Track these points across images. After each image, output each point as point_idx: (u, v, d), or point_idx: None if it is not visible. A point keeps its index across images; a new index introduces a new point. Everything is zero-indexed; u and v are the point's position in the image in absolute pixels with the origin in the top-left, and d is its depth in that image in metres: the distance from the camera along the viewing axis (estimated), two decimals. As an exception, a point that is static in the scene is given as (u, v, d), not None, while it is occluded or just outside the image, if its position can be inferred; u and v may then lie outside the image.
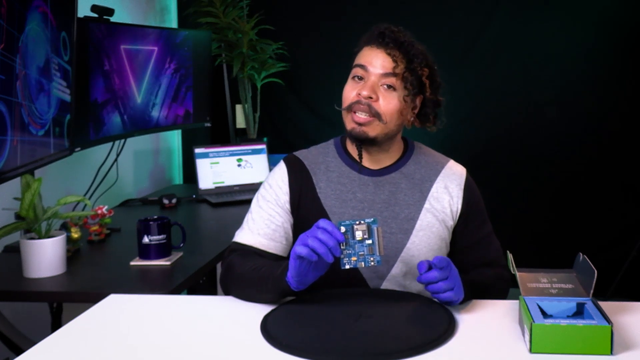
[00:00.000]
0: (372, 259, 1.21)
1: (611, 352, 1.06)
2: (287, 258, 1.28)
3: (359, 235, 1.21)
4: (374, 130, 1.40)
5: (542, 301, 1.17)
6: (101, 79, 2.47)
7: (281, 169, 1.52)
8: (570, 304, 1.17)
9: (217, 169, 2.89)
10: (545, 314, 1.13)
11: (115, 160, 2.72)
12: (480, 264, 1.48)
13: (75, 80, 2.19)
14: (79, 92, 2.26)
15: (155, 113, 2.86)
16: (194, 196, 2.82)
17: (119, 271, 1.81)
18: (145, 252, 1.84)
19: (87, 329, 1.23)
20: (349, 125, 1.42)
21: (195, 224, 2.49)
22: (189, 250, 1.94)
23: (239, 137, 3.57)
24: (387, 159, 1.48)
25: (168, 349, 1.13)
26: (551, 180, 3.48)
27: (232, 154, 2.94)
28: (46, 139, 1.98)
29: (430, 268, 1.24)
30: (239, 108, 3.67)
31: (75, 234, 1.97)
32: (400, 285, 1.43)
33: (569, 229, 3.43)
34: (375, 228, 1.22)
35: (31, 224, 1.72)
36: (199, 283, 2.55)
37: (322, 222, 1.19)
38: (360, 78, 1.43)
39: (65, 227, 2.00)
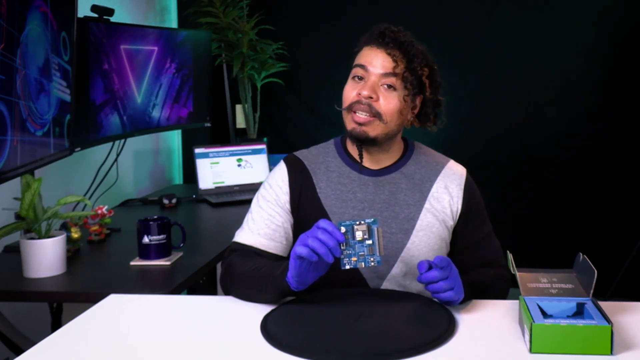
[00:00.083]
0: (372, 259, 1.22)
1: (611, 352, 1.06)
2: (287, 258, 1.28)
3: (359, 235, 1.21)
4: (374, 130, 1.40)
5: (542, 301, 1.17)
6: (101, 79, 2.47)
7: (281, 169, 1.52)
8: (570, 304, 1.17)
9: (217, 169, 2.89)
10: (545, 314, 1.13)
11: (115, 160, 2.72)
12: (480, 264, 1.48)
13: (75, 80, 2.19)
14: (79, 92, 2.26)
15: (155, 113, 2.86)
16: (194, 196, 2.82)
17: (119, 271, 1.81)
18: (145, 252, 1.84)
19: (87, 329, 1.23)
20: (350, 125, 1.42)
21: (195, 224, 2.49)
22: (189, 250, 1.94)
23: (239, 137, 3.57)
24: (387, 159, 1.49)
25: (168, 349, 1.13)
26: (551, 180, 3.48)
27: (232, 154, 2.94)
28: (46, 139, 1.98)
29: (430, 268, 1.24)
30: (239, 108, 3.67)
31: (75, 234, 1.97)
32: (400, 285, 1.43)
33: (569, 229, 3.43)
34: (375, 228, 1.22)
35: (31, 224, 1.72)
36: (199, 283, 2.55)
37: (322, 223, 1.19)
38: (361, 78, 1.43)
39: (65, 227, 2.00)
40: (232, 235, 1.50)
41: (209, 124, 3.22)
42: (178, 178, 3.76)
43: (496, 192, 3.17)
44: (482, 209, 1.52)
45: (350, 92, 1.43)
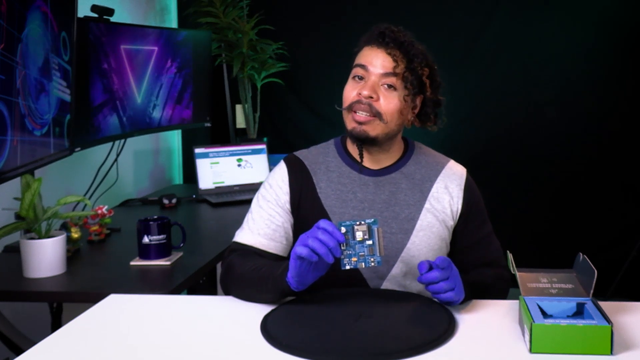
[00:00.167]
0: (372, 259, 1.22)
1: (611, 352, 1.06)
2: (287, 258, 1.28)
3: (359, 235, 1.21)
4: (374, 130, 1.40)
5: (542, 301, 1.17)
6: (101, 79, 2.47)
7: (281, 169, 1.52)
8: (570, 304, 1.17)
9: (217, 169, 2.89)
10: (545, 314, 1.13)
11: (115, 160, 2.72)
12: (480, 264, 1.48)
13: (75, 80, 2.19)
14: (79, 92, 2.26)
15: (155, 113, 2.86)
16: (194, 196, 2.82)
17: (119, 271, 1.81)
18: (145, 252, 1.84)
19: (87, 329, 1.23)
20: (350, 124, 1.42)
21: (195, 224, 2.49)
22: (189, 250, 1.94)
23: (239, 137, 3.57)
24: (387, 159, 1.49)
25: (168, 349, 1.13)
26: (551, 180, 3.48)
27: (232, 154, 2.94)
28: (46, 139, 1.98)
29: (431, 268, 1.24)
30: (239, 108, 3.67)
31: (75, 234, 1.97)
32: (400, 285, 1.43)
33: (569, 229, 3.43)
34: (375, 229, 1.22)
35: (31, 224, 1.72)
36: (199, 283, 2.55)
37: (322, 223, 1.19)
38: (361, 78, 1.43)
39: (65, 227, 2.00)
40: (232, 235, 1.50)
41: (209, 124, 3.22)
42: (178, 178, 3.76)
43: (496, 192, 3.17)
44: (482, 209, 1.52)
45: (351, 91, 1.43)
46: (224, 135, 3.66)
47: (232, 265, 1.40)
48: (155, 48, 2.82)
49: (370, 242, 1.22)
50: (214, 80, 3.35)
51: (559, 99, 3.44)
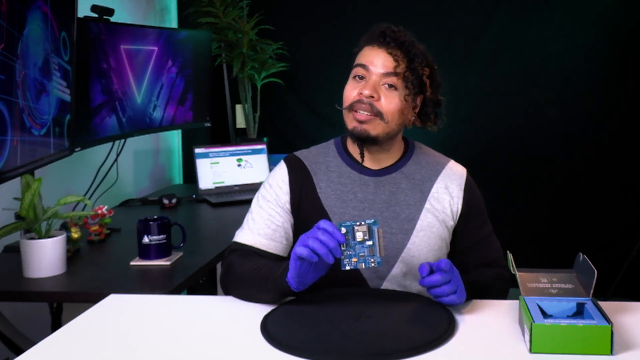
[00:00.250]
0: (372, 260, 1.21)
1: (611, 352, 1.06)
2: (287, 258, 1.28)
3: (359, 236, 1.21)
4: (375, 129, 1.40)
5: (542, 301, 1.17)
6: (101, 79, 2.47)
7: (281, 169, 1.52)
8: (570, 304, 1.17)
9: (217, 169, 2.89)
10: (545, 314, 1.13)
11: (115, 160, 2.72)
12: (480, 264, 1.48)
13: (75, 80, 2.19)
14: (79, 92, 2.26)
15: (155, 113, 2.86)
16: (194, 196, 2.82)
17: (119, 271, 1.81)
18: (145, 252, 1.84)
19: (87, 329, 1.23)
20: (351, 124, 1.42)
21: (195, 224, 2.49)
22: (189, 250, 1.94)
23: (239, 137, 3.57)
24: (387, 159, 1.49)
25: (168, 349, 1.13)
26: (551, 180, 3.48)
27: (232, 154, 2.94)
28: (46, 139, 1.98)
29: (432, 271, 1.24)
30: (239, 108, 3.67)
31: (75, 234, 1.97)
32: (400, 286, 1.43)
33: (569, 229, 3.43)
34: (375, 229, 1.22)
35: (31, 224, 1.72)
36: (199, 283, 2.55)
37: (322, 223, 1.19)
38: (361, 77, 1.43)
39: (65, 227, 2.00)
40: (232, 235, 1.50)
41: (209, 124, 3.22)
42: (178, 178, 3.76)
43: (496, 192, 3.17)
44: (482, 209, 1.52)
45: (351, 91, 1.43)
46: (224, 135, 3.66)
47: (232, 265, 1.40)
48: (155, 48, 2.82)
49: (370, 242, 1.22)
50: (214, 80, 3.35)
51: (559, 99, 3.44)
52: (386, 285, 1.43)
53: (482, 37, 3.49)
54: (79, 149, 2.29)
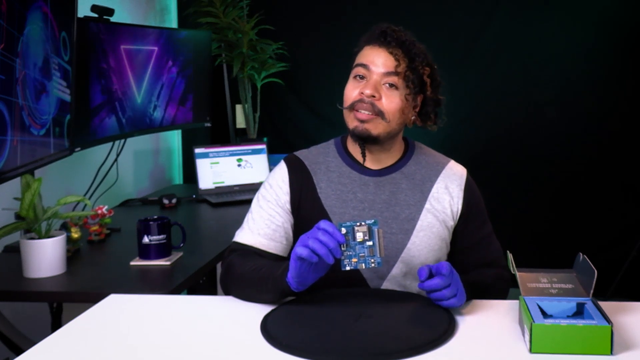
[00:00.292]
0: (372, 260, 1.21)
1: (611, 352, 1.06)
2: (287, 258, 1.28)
3: (359, 236, 1.21)
4: (376, 128, 1.40)
5: (542, 301, 1.17)
6: (101, 79, 2.47)
7: (282, 168, 1.52)
8: (570, 304, 1.17)
9: (217, 169, 2.89)
10: (545, 314, 1.13)
11: (115, 160, 2.72)
12: (480, 265, 1.48)
13: (75, 80, 2.19)
14: (79, 92, 2.26)
15: (155, 113, 2.86)
16: (194, 196, 2.82)
17: (119, 271, 1.81)
18: (145, 252, 1.84)
19: (87, 329, 1.23)
20: (352, 123, 1.42)
21: (195, 224, 2.49)
22: (189, 250, 1.94)
23: (239, 137, 3.57)
24: (388, 159, 1.49)
25: (168, 349, 1.13)
26: (551, 180, 3.48)
27: (232, 154, 2.94)
28: (46, 139, 1.98)
29: (431, 274, 1.24)
30: (239, 108, 3.67)
31: (75, 234, 1.97)
32: (400, 286, 1.43)
33: (569, 229, 3.43)
34: (376, 229, 1.21)
35: (31, 224, 1.72)
36: (199, 283, 2.55)
37: (322, 224, 1.19)
38: (362, 77, 1.43)
39: (65, 227, 2.00)
40: (232, 235, 1.50)
41: (209, 124, 3.22)
42: (178, 178, 3.76)
43: (496, 192, 3.17)
44: (482, 210, 1.52)
45: (352, 91, 1.43)
46: (224, 135, 3.66)
47: (232, 265, 1.40)
48: (155, 48, 2.82)
49: (370, 243, 1.21)
50: (214, 80, 3.35)
51: (559, 99, 3.44)
52: (386, 285, 1.43)
53: (482, 37, 3.49)
54: (79, 149, 2.29)
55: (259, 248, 1.44)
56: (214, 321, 1.26)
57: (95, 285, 1.72)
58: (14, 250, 1.88)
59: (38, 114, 1.91)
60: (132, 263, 1.84)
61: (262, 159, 2.97)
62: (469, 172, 1.53)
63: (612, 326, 1.06)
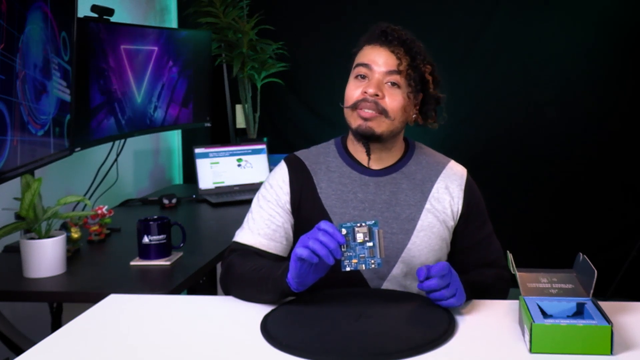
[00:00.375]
0: (372, 261, 1.21)
1: (611, 352, 1.06)
2: (287, 258, 1.28)
3: (360, 237, 1.21)
4: (380, 127, 1.41)
5: (542, 301, 1.17)
6: (101, 79, 2.47)
7: (282, 169, 1.51)
8: (570, 304, 1.17)
9: (217, 169, 2.89)
10: (545, 314, 1.13)
11: (115, 160, 2.72)
12: (480, 265, 1.48)
13: (75, 80, 2.19)
14: (79, 92, 2.26)
15: (155, 113, 2.86)
16: (194, 196, 2.82)
17: (119, 271, 1.81)
18: (145, 252, 1.84)
19: (87, 329, 1.23)
20: (355, 122, 1.42)
21: (195, 224, 2.49)
22: (189, 250, 1.94)
23: (239, 137, 3.57)
24: (389, 159, 1.49)
25: (168, 349, 1.13)
26: (551, 180, 3.48)
27: (232, 154, 2.94)
28: (46, 139, 1.98)
29: (429, 276, 1.24)
30: (239, 108, 3.67)
31: (75, 234, 1.97)
32: (400, 286, 1.43)
33: (569, 229, 3.43)
34: (376, 230, 1.21)
35: (31, 224, 1.72)
36: (199, 283, 2.55)
37: (323, 224, 1.19)
38: (364, 77, 1.43)
39: (65, 227, 2.00)
40: (232, 235, 1.50)
41: (209, 124, 3.22)
42: (178, 178, 3.76)
43: (496, 192, 3.16)
44: (482, 210, 1.52)
45: (354, 90, 1.43)
46: (224, 135, 3.66)
47: (232, 265, 1.40)
48: (155, 48, 2.82)
49: (370, 243, 1.21)
50: (214, 80, 3.35)
51: (559, 99, 3.44)
52: (386, 285, 1.43)
53: (482, 37, 3.49)
54: (79, 149, 2.29)
55: (259, 248, 1.44)
56: (214, 321, 1.26)
57: (95, 285, 1.71)
58: (14, 250, 1.88)
59: (38, 114, 1.91)
60: (132, 263, 1.84)
61: (262, 159, 2.97)
62: (469, 172, 1.53)
63: (612, 326, 1.06)
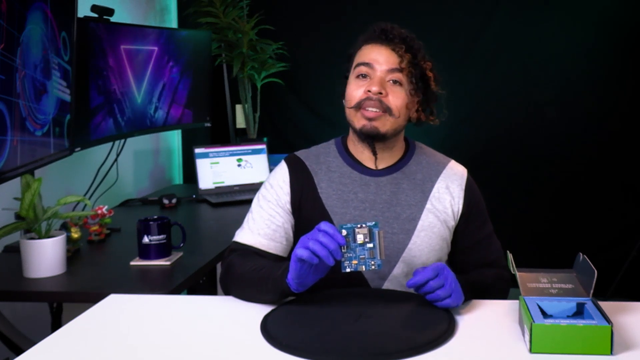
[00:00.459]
0: (372, 262, 1.21)
1: (611, 352, 1.06)
2: (287, 258, 1.28)
3: (360, 238, 1.21)
4: (384, 126, 1.41)
5: (542, 301, 1.17)
6: (101, 79, 2.47)
7: (282, 169, 1.51)
8: (570, 304, 1.17)
9: (217, 169, 2.89)
10: (545, 314, 1.13)
11: (115, 160, 2.72)
12: (480, 264, 1.48)
13: (75, 80, 2.19)
14: (79, 92, 2.26)
15: (155, 113, 2.86)
16: (194, 196, 2.82)
17: (119, 271, 1.81)
18: (145, 252, 1.84)
19: (87, 329, 1.23)
20: (359, 123, 1.42)
21: (195, 224, 2.49)
22: (189, 250, 1.94)
23: (239, 137, 3.57)
24: (390, 158, 1.49)
25: (168, 349, 1.13)
26: (551, 180, 3.48)
27: (232, 154, 2.94)
28: (46, 139, 1.98)
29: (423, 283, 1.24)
30: (239, 108, 3.67)
31: (75, 234, 1.97)
32: (401, 286, 1.43)
33: (569, 229, 3.43)
34: (376, 232, 1.21)
35: (31, 224, 1.72)
36: (199, 283, 2.55)
37: (323, 225, 1.19)
38: (365, 76, 1.43)
39: (65, 227, 2.00)
40: (232, 235, 1.50)
41: (209, 124, 3.22)
42: (178, 178, 3.76)
43: (496, 192, 3.16)
44: (482, 210, 1.52)
45: (356, 90, 1.43)
46: (224, 135, 3.66)
47: (232, 265, 1.40)
48: (155, 48, 2.82)
49: (371, 245, 1.21)
50: (214, 80, 3.35)
51: (559, 99, 3.44)
52: (387, 285, 1.43)
53: (482, 37, 3.49)
54: (79, 149, 2.29)
55: (258, 248, 1.44)
56: (214, 321, 1.26)
57: (95, 285, 1.71)
58: (14, 250, 1.88)
59: (38, 113, 1.91)
60: (132, 263, 1.84)
61: (262, 159, 2.97)
62: (469, 172, 1.53)
63: (612, 326, 1.06)
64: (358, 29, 1.51)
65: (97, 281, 1.75)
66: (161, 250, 1.84)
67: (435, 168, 1.50)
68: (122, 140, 2.74)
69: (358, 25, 1.53)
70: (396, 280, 1.43)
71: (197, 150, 2.87)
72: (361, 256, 1.21)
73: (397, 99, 1.41)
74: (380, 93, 1.40)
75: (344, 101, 1.47)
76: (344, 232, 1.21)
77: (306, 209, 1.46)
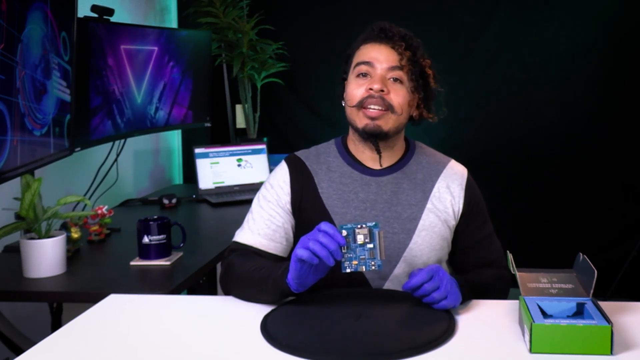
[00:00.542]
0: (373, 263, 1.21)
1: (611, 352, 1.06)
2: (287, 258, 1.28)
3: (360, 239, 1.21)
4: (387, 124, 1.41)
5: (542, 301, 1.17)
6: (101, 79, 2.47)
7: (283, 169, 1.51)
8: (570, 304, 1.17)
9: (217, 169, 2.89)
10: (545, 314, 1.13)
11: (115, 160, 2.72)
12: (480, 264, 1.48)
13: (75, 80, 2.19)
14: (78, 92, 2.26)
15: (155, 113, 2.86)
16: (194, 196, 2.82)
17: (119, 271, 1.81)
18: (145, 252, 1.84)
19: (87, 329, 1.23)
20: (362, 122, 1.42)
21: (195, 224, 2.49)
22: (189, 250, 1.94)
23: (239, 137, 3.57)
24: (390, 158, 1.49)
25: (168, 349, 1.13)
26: (551, 180, 3.48)
27: (232, 154, 2.94)
28: (46, 139, 1.98)
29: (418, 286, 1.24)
30: (239, 108, 3.67)
31: (75, 234, 1.97)
32: (402, 286, 1.43)
33: (569, 229, 3.43)
34: (377, 232, 1.21)
35: (31, 224, 1.72)
36: (199, 283, 2.55)
37: (323, 225, 1.19)
38: (365, 75, 1.43)
39: (65, 227, 2.00)
40: (232, 235, 1.50)
41: (209, 124, 3.22)
42: (178, 178, 3.76)
43: (496, 192, 3.15)
44: (483, 209, 1.52)
45: (358, 89, 1.43)
46: (224, 135, 3.66)
47: (232, 265, 1.40)
48: (155, 48, 2.82)
49: (371, 245, 1.21)
50: (214, 80, 3.35)
51: (559, 99, 3.44)
52: (388, 285, 1.43)
53: (482, 37, 3.49)
54: (79, 149, 2.29)
55: (258, 248, 1.44)
56: (214, 321, 1.26)
57: (95, 285, 1.71)
58: (14, 250, 1.88)
59: (38, 113, 1.91)
60: (132, 263, 1.84)
61: (262, 159, 2.97)
62: (469, 172, 1.53)
63: (612, 326, 1.06)
64: (358, 29, 1.52)
65: (97, 281, 1.75)
66: (161, 250, 1.84)
67: (435, 168, 1.50)
68: (122, 140, 2.74)
69: (358, 25, 1.53)
70: (397, 280, 1.43)
71: (197, 150, 2.87)
72: (361, 256, 1.21)
73: (398, 96, 1.41)
74: (382, 90, 1.40)
75: (342, 102, 1.47)
76: (344, 233, 1.21)
77: (306, 209, 1.46)
